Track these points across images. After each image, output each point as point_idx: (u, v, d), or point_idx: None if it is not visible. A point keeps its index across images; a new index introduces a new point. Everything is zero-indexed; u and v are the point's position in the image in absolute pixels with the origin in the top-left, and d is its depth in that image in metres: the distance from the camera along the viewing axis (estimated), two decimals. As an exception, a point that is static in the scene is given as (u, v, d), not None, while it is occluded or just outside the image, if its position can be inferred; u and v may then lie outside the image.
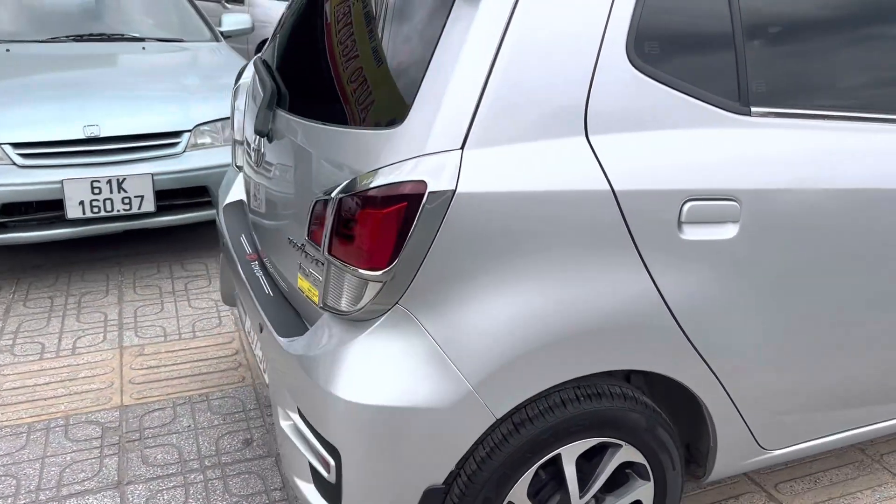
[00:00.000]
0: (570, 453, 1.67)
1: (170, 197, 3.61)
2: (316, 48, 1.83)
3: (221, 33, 5.03)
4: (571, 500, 1.71)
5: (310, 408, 1.60)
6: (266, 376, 1.99)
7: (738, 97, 1.62)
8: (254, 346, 2.18)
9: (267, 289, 2.01)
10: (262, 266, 2.16)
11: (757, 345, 1.74)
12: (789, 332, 1.77)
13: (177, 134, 3.62)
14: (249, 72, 2.59)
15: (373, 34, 1.66)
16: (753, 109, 1.64)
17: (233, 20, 5.18)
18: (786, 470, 2.43)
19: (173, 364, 2.95)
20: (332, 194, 1.51)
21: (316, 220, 1.60)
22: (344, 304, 1.54)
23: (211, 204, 3.73)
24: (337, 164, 1.59)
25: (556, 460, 1.66)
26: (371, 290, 1.48)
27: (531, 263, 1.49)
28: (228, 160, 3.71)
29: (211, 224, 4.24)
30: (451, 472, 1.56)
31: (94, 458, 2.40)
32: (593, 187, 1.49)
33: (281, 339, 1.74)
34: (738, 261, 1.65)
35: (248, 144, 2.22)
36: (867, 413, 2.04)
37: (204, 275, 3.75)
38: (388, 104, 1.52)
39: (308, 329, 1.75)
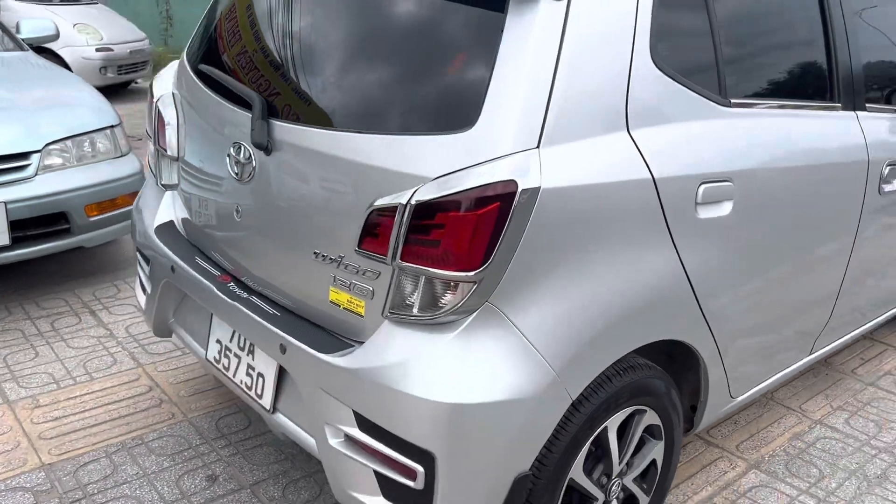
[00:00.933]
0: (613, 424, 1.81)
1: (24, 227, 3.19)
2: (340, 52, 1.77)
3: (24, 41, 4.48)
4: (614, 467, 1.86)
5: (388, 418, 1.57)
6: (262, 402, 1.90)
7: (721, 90, 1.86)
8: (231, 373, 2.05)
9: (269, 308, 1.91)
10: (243, 286, 2.03)
11: (739, 304, 2.00)
12: (760, 290, 2.06)
13: (25, 156, 3.21)
14: (167, 82, 2.39)
15: (410, 35, 1.66)
16: (732, 101, 1.89)
17: (34, 26, 4.63)
18: (710, 417, 2.77)
19: (82, 412, 2.63)
20: (403, 201, 1.51)
21: (373, 229, 1.58)
22: (422, 309, 1.54)
23: (70, 231, 3.35)
24: (388, 172, 1.57)
25: (600, 434, 1.80)
26: (462, 292, 1.50)
27: (595, 251, 1.60)
28: (86, 182, 3.35)
29: (59, 255, 3.79)
30: (537, 459, 1.63)
31: (40, 527, 2.11)
32: (640, 176, 1.65)
33: (325, 356, 1.68)
34: (730, 233, 1.89)
35: (205, 161, 2.08)
36: (792, 357, 2.42)
37: (67, 311, 3.35)
38: (450, 109, 1.54)
39: (346, 341, 1.72)
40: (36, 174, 3.22)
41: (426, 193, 1.49)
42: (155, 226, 2.35)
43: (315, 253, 1.75)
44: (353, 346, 1.71)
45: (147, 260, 2.38)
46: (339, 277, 1.71)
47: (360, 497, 1.69)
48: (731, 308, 1.98)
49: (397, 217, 1.53)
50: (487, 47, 1.54)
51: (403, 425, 1.56)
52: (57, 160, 3.32)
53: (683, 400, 2.13)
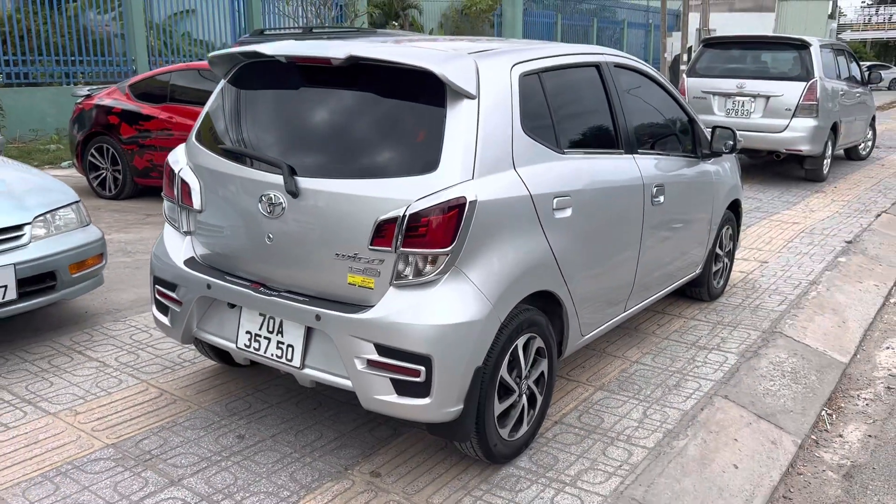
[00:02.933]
0: (520, 344, 3.01)
1: (23, 285, 3.92)
2: (343, 134, 2.90)
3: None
4: (522, 371, 3.06)
5: (400, 341, 2.67)
6: (292, 364, 2.91)
7: (557, 144, 3.20)
8: (262, 351, 3.03)
9: (298, 296, 2.94)
10: (270, 288, 3.04)
11: (580, 270, 3.31)
12: (590, 261, 3.39)
13: (20, 227, 3.96)
14: (181, 158, 3.36)
15: (389, 120, 2.85)
16: (564, 150, 3.23)
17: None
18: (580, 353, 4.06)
19: (116, 412, 3.44)
20: (401, 213, 2.65)
21: (381, 233, 2.70)
22: (418, 275, 2.68)
23: (55, 288, 4.09)
24: (386, 199, 2.71)
25: (513, 350, 2.99)
26: (440, 261, 2.67)
27: (506, 235, 2.84)
28: (67, 247, 4.12)
29: (23, 315, 4.44)
30: (485, 357, 2.79)
31: (130, 476, 2.94)
32: (524, 194, 2.92)
33: (353, 315, 2.76)
34: (572, 226, 3.21)
35: (233, 208, 3.09)
36: (614, 311, 3.78)
37: (56, 353, 4.07)
38: (421, 162, 2.73)
39: (361, 306, 2.80)
40: (29, 242, 3.97)
41: (415, 208, 2.65)
42: (183, 260, 3.29)
43: (336, 254, 2.83)
44: (365, 308, 2.80)
45: (173, 286, 3.31)
46: (354, 267, 2.80)
47: (382, 398, 2.75)
48: (576, 272, 3.28)
49: (398, 224, 2.67)
50: (438, 126, 2.75)
51: (411, 343, 2.67)
52: (41, 231, 4.08)
53: (555, 334, 3.39)
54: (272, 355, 3.03)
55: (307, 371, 2.95)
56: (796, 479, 3.30)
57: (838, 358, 4.49)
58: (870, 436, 3.70)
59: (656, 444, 3.28)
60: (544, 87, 3.21)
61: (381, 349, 2.73)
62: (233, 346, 3.16)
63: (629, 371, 4.04)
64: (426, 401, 2.70)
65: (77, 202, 4.39)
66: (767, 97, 9.55)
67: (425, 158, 2.74)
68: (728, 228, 5.15)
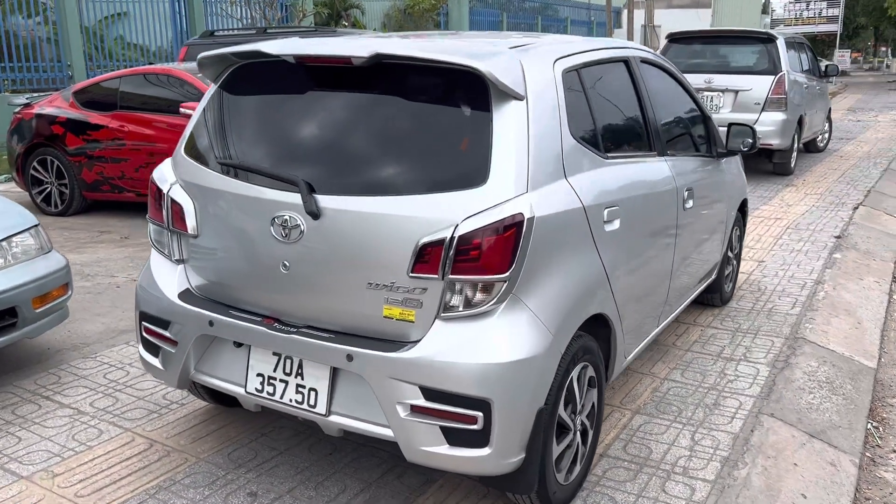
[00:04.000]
0: (575, 375, 2.67)
1: (-21, 325, 3.40)
2: (376, 144, 2.50)
3: None
4: (577, 405, 2.72)
5: (452, 383, 2.30)
6: (316, 410, 2.51)
7: (601, 149, 2.86)
8: (278, 396, 2.62)
9: (322, 333, 2.54)
10: (286, 323, 2.63)
11: (627, 286, 2.98)
12: (635, 276, 3.07)
13: (-27, 259, 3.44)
14: (167, 176, 2.91)
15: (429, 127, 2.46)
16: (608, 155, 2.90)
17: None
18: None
19: (101, 472, 2.97)
20: (448, 235, 2.28)
21: (423, 258, 2.32)
22: (469, 305, 2.31)
23: (16, 325, 3.58)
24: (427, 219, 2.33)
25: (569, 382, 2.65)
26: (497, 289, 2.30)
27: (562, 254, 2.49)
28: (29, 277, 3.61)
29: (-25, 356, 3.90)
30: (547, 395, 2.44)
31: (131, 553, 2.49)
32: (577, 206, 2.57)
33: (393, 354, 2.37)
34: (620, 239, 2.88)
35: (236, 233, 2.66)
36: (649, 326, 3.47)
37: (21, 400, 3.55)
38: (467, 174, 2.35)
39: (399, 342, 2.41)
40: (-16, 275, 3.45)
41: (465, 228, 2.28)
42: (177, 293, 2.85)
43: (369, 283, 2.44)
44: (405, 344, 2.41)
45: (165, 323, 2.86)
46: (391, 297, 2.41)
47: (430, 449, 2.37)
48: (623, 289, 2.95)
49: (445, 247, 2.29)
50: (484, 133, 2.38)
51: (466, 385, 2.30)
52: (-2, 261, 3.56)
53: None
54: (290, 401, 2.62)
55: (334, 419, 2.55)
56: (864, 505, 3.05)
57: (866, 363, 4.28)
58: (925, 449, 3.49)
59: (717, 476, 2.98)
60: (584, 85, 2.87)
61: (429, 393, 2.35)
62: (241, 391, 2.74)
63: (662, 390, 3.74)
64: (485, 451, 2.33)
65: (36, 226, 3.88)
66: (736, 91, 9.46)
67: (471, 170, 2.37)
68: (736, 229, 4.91)
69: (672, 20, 33.18)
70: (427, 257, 2.33)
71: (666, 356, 4.15)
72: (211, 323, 2.73)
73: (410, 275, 2.36)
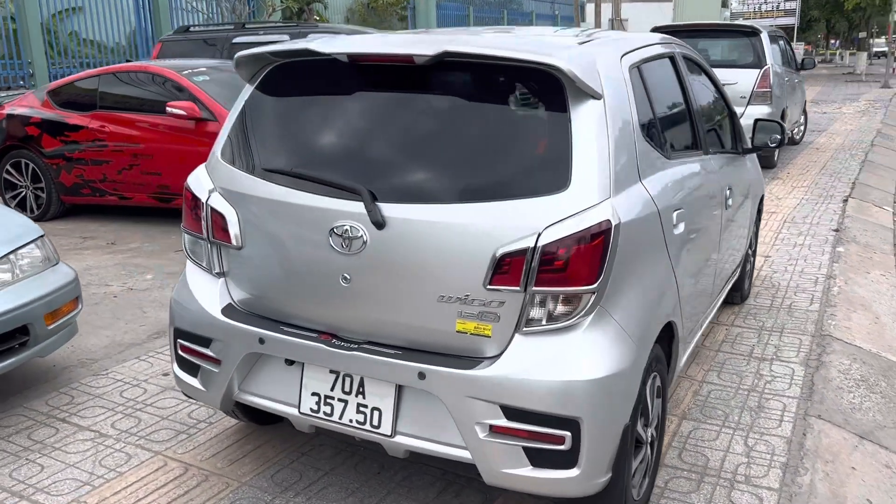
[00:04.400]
0: (649, 385, 2.56)
1: (-12, 345, 3.17)
2: (446, 148, 2.35)
3: None
4: (650, 417, 2.61)
5: (537, 401, 2.17)
6: (380, 431, 2.36)
7: (664, 148, 2.76)
8: (336, 416, 2.46)
9: (388, 350, 2.39)
10: (345, 339, 2.47)
11: (687, 291, 2.89)
12: (692, 280, 2.97)
13: (-20, 274, 3.20)
14: (203, 183, 2.72)
15: (502, 128, 2.32)
16: (671, 155, 2.79)
17: None
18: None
19: (137, 500, 2.77)
20: (531, 244, 2.14)
21: (502, 269, 2.18)
22: (554, 319, 2.18)
23: (29, 344, 3.34)
24: (504, 227, 2.19)
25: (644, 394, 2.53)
26: (585, 301, 2.17)
27: (641, 260, 2.37)
28: (40, 293, 3.38)
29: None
30: (632, 411, 2.32)
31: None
32: (653, 210, 2.46)
33: (470, 371, 2.23)
34: (684, 243, 2.78)
35: (290, 244, 2.49)
36: (698, 328, 3.38)
37: (35, 424, 3.33)
38: (546, 178, 2.22)
39: (474, 359, 2.28)
40: (-8, 291, 3.21)
41: (550, 237, 2.15)
42: (220, 309, 2.66)
43: (441, 297, 2.29)
44: (481, 360, 2.28)
45: (206, 341, 2.68)
46: (465, 311, 2.27)
47: (512, 472, 2.24)
48: (685, 293, 2.85)
49: (527, 257, 2.16)
50: (562, 134, 2.25)
51: (553, 403, 2.17)
52: (6, 275, 3.32)
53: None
54: (351, 422, 2.47)
55: (400, 440, 2.40)
56: (925, 507, 3.00)
57: (892, 359, 4.26)
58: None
59: (780, 484, 2.90)
60: (645, 82, 2.76)
61: (511, 412, 2.22)
62: (294, 411, 2.57)
63: (702, 393, 3.66)
64: (573, 472, 2.21)
65: (41, 236, 3.64)
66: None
67: (550, 174, 2.24)
68: (754, 226, 4.87)
69: (636, 14, 33.46)
70: (506, 268, 2.19)
71: (698, 357, 4.08)
72: (261, 340, 2.55)
73: (488, 287, 2.22)
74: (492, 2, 29.36)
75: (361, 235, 2.35)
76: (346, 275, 2.41)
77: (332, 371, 2.51)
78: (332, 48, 2.49)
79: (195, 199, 2.72)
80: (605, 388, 2.19)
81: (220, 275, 2.72)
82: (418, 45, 2.40)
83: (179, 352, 2.81)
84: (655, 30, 10.40)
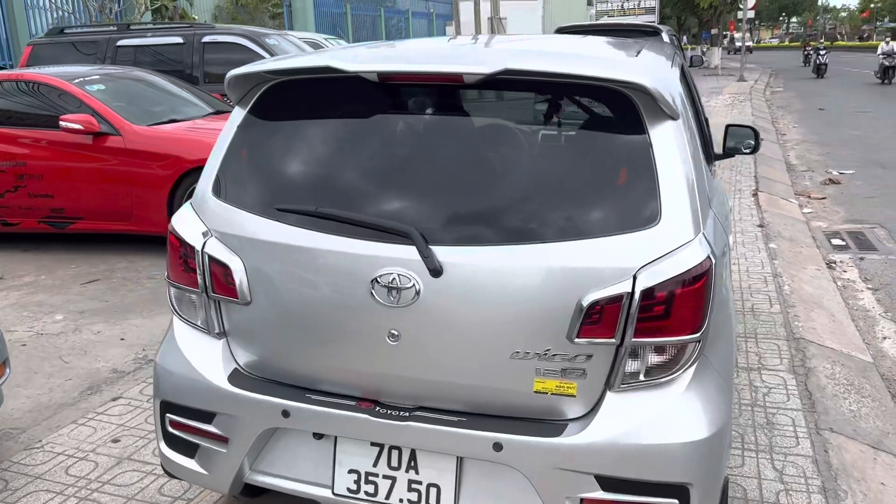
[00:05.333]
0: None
1: None
2: (514, 182, 2.01)
3: None
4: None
5: (641, 469, 1.90)
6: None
7: (709, 164, 2.55)
8: (382, 496, 2.10)
9: (448, 417, 2.04)
10: (387, 406, 2.10)
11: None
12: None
13: None
14: (193, 228, 2.27)
15: (576, 158, 2.02)
16: (712, 170, 2.59)
17: None
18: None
19: None
20: (626, 290, 1.87)
21: (593, 317, 1.89)
22: (653, 373, 1.92)
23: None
24: (590, 269, 1.90)
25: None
26: (689, 351, 1.92)
27: (723, 297, 2.14)
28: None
29: None
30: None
31: None
32: (724, 239, 2.24)
33: (557, 439, 1.93)
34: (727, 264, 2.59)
35: (317, 298, 2.09)
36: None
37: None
38: (633, 211, 1.94)
39: (555, 423, 1.98)
40: None
41: (650, 280, 1.88)
42: (226, 377, 2.23)
43: (515, 352, 1.97)
44: (563, 424, 1.98)
45: (208, 417, 2.24)
46: (544, 369, 1.96)
47: (614, 549, 1.96)
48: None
49: (624, 303, 1.88)
50: (644, 160, 1.98)
51: (660, 470, 1.90)
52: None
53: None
54: (402, 501, 2.11)
55: (463, 518, 2.07)
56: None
57: (864, 358, 4.32)
58: (967, 446, 3.50)
59: (827, 511, 2.78)
60: (683, 94, 2.54)
61: (608, 483, 1.94)
62: (326, 493, 2.18)
63: (709, 413, 3.51)
64: (681, 548, 1.96)
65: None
66: (628, 84, 9.57)
67: (636, 207, 1.96)
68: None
69: (509, 11, 33.93)
70: (596, 317, 1.90)
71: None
72: (286, 413, 2.14)
73: (576, 340, 1.92)
74: (369, 0, 28.89)
75: (413, 285, 1.99)
76: (393, 331, 2.04)
77: (374, 444, 2.14)
78: (356, 65, 2.10)
79: (185, 245, 2.25)
80: (714, 445, 1.95)
81: (221, 335, 2.27)
82: (468, 61, 2.07)
83: (169, 428, 2.34)
84: (560, 30, 10.43)
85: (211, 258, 2.21)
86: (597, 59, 2.20)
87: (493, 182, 2.06)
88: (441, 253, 1.98)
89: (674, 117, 2.03)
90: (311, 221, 2.12)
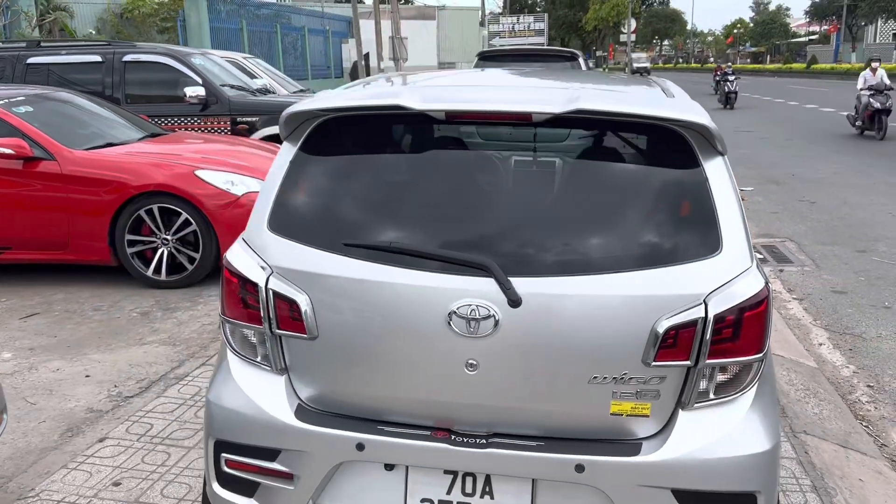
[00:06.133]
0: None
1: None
2: (585, 217, 2.11)
3: None
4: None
5: (716, 482, 2.04)
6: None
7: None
8: None
9: (525, 442, 2.12)
10: (461, 434, 2.16)
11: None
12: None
13: None
14: (250, 263, 2.25)
15: (641, 192, 2.15)
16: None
17: None
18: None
19: None
20: (699, 315, 2.01)
21: (669, 341, 2.03)
22: (723, 391, 2.07)
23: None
24: (662, 297, 2.04)
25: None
26: (755, 370, 2.08)
27: (763, 318, 2.33)
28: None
29: None
30: (776, 470, 2.28)
31: None
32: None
33: (637, 458, 2.05)
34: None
35: (393, 330, 2.13)
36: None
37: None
38: (697, 241, 2.10)
39: (628, 442, 2.10)
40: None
41: (720, 306, 2.03)
42: (293, 412, 2.22)
43: (593, 377, 2.07)
44: (637, 443, 2.10)
45: (272, 454, 2.22)
46: (621, 392, 2.08)
47: (688, 560, 2.09)
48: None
49: (699, 328, 2.02)
50: (703, 194, 2.14)
51: (733, 481, 2.05)
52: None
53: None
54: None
55: (537, 540, 2.15)
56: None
57: (810, 364, 4.69)
58: (915, 441, 3.88)
59: (825, 508, 3.04)
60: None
61: (683, 495, 2.07)
62: (445, 514, 2.20)
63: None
64: (747, 551, 2.11)
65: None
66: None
67: (700, 237, 2.12)
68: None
69: (406, 30, 34.31)
70: (671, 342, 2.04)
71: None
72: (360, 446, 2.16)
73: (654, 364, 2.05)
74: (262, 15, 28.47)
75: (493, 315, 2.06)
76: (471, 360, 2.10)
77: (447, 472, 2.18)
78: (425, 103, 2.16)
79: (246, 282, 2.23)
80: (775, 455, 2.12)
81: (283, 370, 2.26)
82: (537, 102, 2.17)
83: (225, 468, 2.30)
84: (480, 55, 10.70)
85: (276, 294, 2.19)
86: (654, 100, 2.34)
87: (559, 215, 2.17)
88: (518, 284, 2.06)
89: (723, 153, 2.21)
90: (381, 256, 2.15)
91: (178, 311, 5.38)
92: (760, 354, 2.08)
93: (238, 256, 2.29)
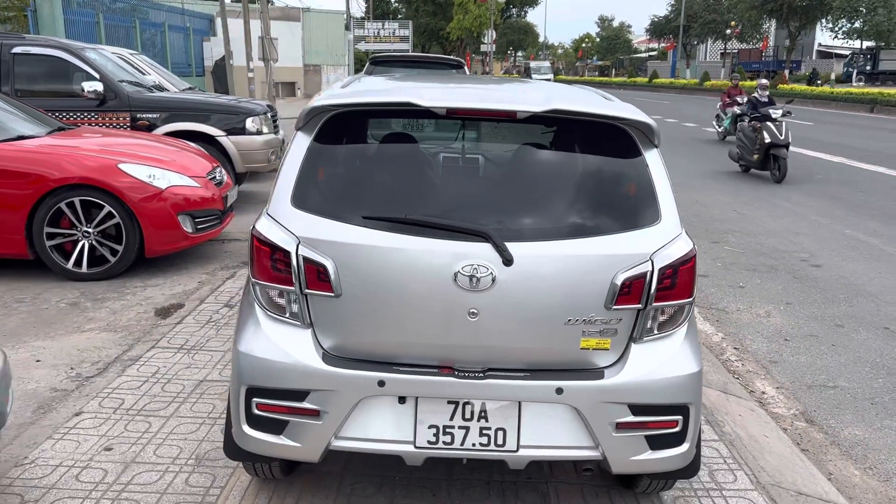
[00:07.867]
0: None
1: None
2: (557, 196, 2.66)
3: None
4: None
5: (659, 396, 2.66)
6: (506, 449, 2.65)
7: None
8: (458, 443, 2.66)
9: (513, 373, 2.65)
10: (463, 370, 2.66)
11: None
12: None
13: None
14: (279, 233, 2.64)
15: (601, 178, 2.73)
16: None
17: None
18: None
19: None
20: (648, 269, 2.63)
21: (625, 290, 2.63)
22: (664, 327, 2.70)
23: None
24: (621, 256, 2.64)
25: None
26: (686, 311, 2.73)
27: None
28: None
29: None
30: (697, 392, 2.93)
31: None
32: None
33: (601, 381, 2.64)
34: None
35: (406, 287, 2.59)
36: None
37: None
38: (644, 214, 2.72)
39: (594, 370, 2.69)
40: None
41: (663, 261, 2.65)
42: (321, 358, 2.63)
43: (568, 320, 2.64)
44: (600, 370, 2.69)
45: (301, 395, 2.63)
46: (588, 330, 2.66)
47: (637, 458, 2.69)
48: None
49: (647, 279, 2.63)
50: (645, 178, 2.76)
51: (671, 395, 2.68)
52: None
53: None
54: (474, 445, 2.68)
55: (524, 453, 2.70)
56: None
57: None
58: (778, 386, 4.76)
59: (719, 435, 3.77)
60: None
61: (637, 409, 2.68)
62: (408, 447, 2.68)
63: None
64: (682, 448, 2.75)
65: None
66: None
67: (645, 211, 2.74)
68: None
69: (274, 31, 33.97)
70: (627, 290, 2.64)
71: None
72: (381, 383, 2.61)
73: (613, 307, 2.64)
74: (120, 10, 27.37)
75: (490, 273, 2.58)
76: (473, 310, 2.61)
77: (450, 402, 2.67)
78: (431, 101, 2.65)
79: (276, 249, 2.62)
80: (700, 377, 2.77)
81: (309, 325, 2.67)
82: (519, 102, 2.70)
83: (255, 411, 2.67)
84: (373, 59, 11.14)
85: (306, 259, 2.60)
86: (604, 103, 2.94)
87: (538, 193, 2.73)
88: (515, 248, 2.59)
89: (657, 145, 2.85)
90: (395, 227, 2.61)
91: (108, 300, 5.49)
92: (691, 299, 2.73)
93: (266, 228, 2.67)
